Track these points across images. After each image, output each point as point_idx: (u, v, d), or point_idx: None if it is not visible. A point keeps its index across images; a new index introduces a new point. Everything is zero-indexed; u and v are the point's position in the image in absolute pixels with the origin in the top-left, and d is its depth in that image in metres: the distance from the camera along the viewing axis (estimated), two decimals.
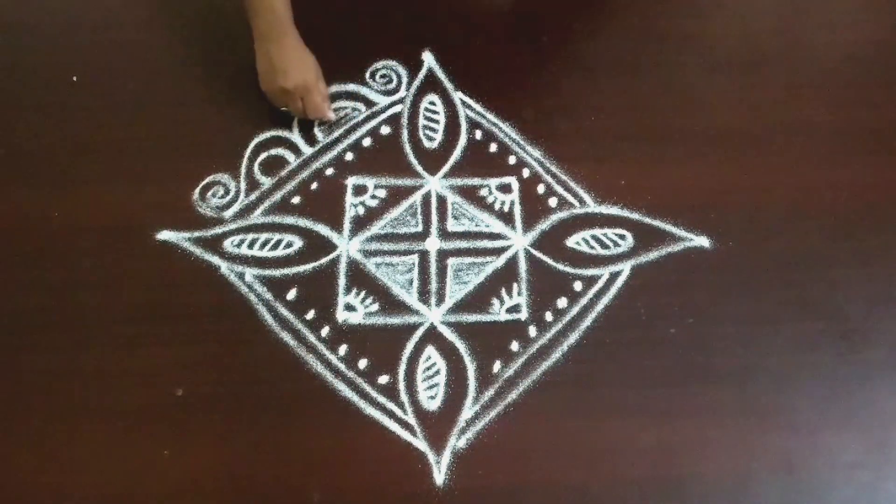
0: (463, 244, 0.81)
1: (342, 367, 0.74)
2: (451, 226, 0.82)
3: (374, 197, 0.84)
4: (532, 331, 0.76)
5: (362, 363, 0.74)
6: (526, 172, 0.86)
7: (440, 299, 0.78)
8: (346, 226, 0.82)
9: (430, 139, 0.88)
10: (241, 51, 0.87)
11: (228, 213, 0.82)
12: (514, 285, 0.79)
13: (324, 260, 0.80)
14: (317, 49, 0.94)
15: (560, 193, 0.84)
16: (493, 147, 0.87)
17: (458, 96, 0.91)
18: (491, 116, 0.89)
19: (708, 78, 0.94)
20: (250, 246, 0.80)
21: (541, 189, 0.85)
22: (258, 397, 0.72)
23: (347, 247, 0.81)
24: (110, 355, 0.74)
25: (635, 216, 0.83)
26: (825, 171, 0.87)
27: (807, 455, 0.71)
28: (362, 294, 0.78)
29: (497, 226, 0.82)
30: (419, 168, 0.86)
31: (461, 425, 0.71)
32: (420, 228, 0.82)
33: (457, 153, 0.87)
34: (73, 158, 0.86)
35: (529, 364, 0.74)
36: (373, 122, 0.89)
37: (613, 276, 0.79)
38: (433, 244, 0.81)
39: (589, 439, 0.71)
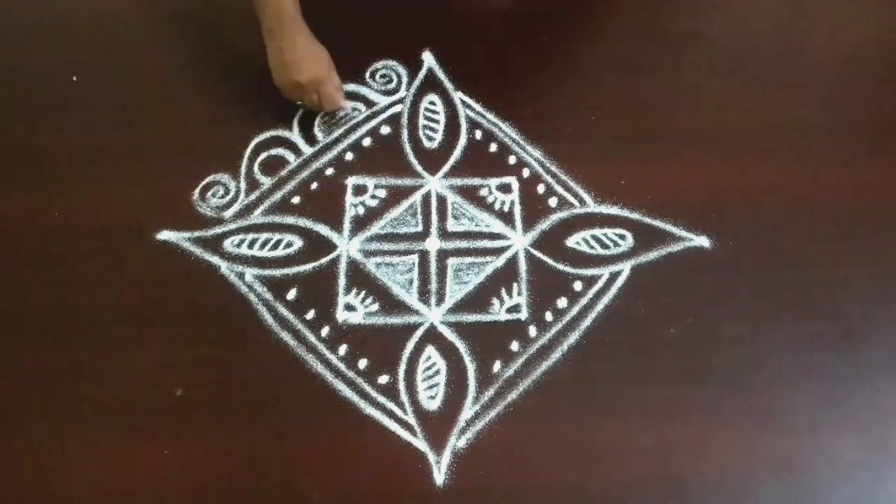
0: (463, 244, 0.81)
1: (342, 367, 0.74)
2: (451, 226, 0.82)
3: (374, 197, 0.84)
4: (532, 331, 0.76)
5: (362, 363, 0.74)
6: (526, 172, 0.86)
7: (440, 299, 0.78)
8: (346, 226, 0.82)
9: (430, 139, 0.88)
10: (242, 50, 0.87)
11: (228, 213, 0.82)
12: (514, 285, 0.79)
13: (324, 260, 0.80)
14: None
15: (560, 193, 0.84)
16: (493, 147, 0.87)
17: (458, 96, 0.91)
18: (491, 116, 0.89)
19: (708, 78, 0.94)
20: (250, 246, 0.80)
21: (541, 189, 0.85)
22: (258, 397, 0.72)
23: (347, 247, 0.81)
24: (110, 355, 0.74)
25: (635, 216, 0.83)
26: (825, 171, 0.87)
27: (807, 455, 0.71)
28: (362, 294, 0.78)
29: (497, 226, 0.82)
30: (419, 168, 0.86)
31: (461, 425, 0.71)
32: (420, 228, 0.82)
33: (457, 153, 0.87)
34: (73, 158, 0.86)
35: (529, 364, 0.74)
36: (373, 122, 0.89)
37: (613, 276, 0.79)
38: (433, 244, 0.81)
39: (589, 439, 0.71)
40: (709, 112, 0.91)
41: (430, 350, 0.75)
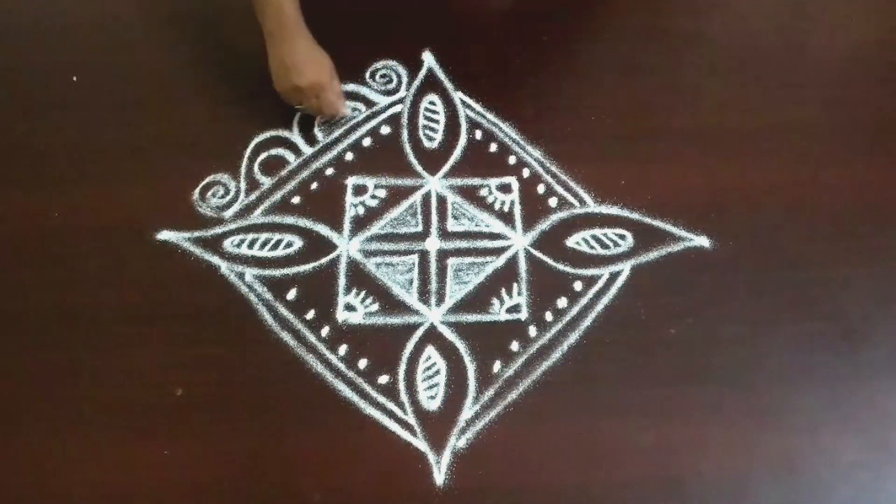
0: (463, 244, 0.81)
1: (342, 367, 0.74)
2: (451, 226, 0.82)
3: (374, 197, 0.84)
4: (532, 331, 0.76)
5: (362, 363, 0.74)
6: (526, 172, 0.86)
7: (440, 299, 0.78)
8: (346, 226, 0.82)
9: (430, 139, 0.88)
10: (242, 51, 0.87)
11: (228, 213, 0.82)
12: (514, 285, 0.79)
13: (324, 260, 0.80)
14: None
15: (560, 193, 0.84)
16: (493, 147, 0.87)
17: (458, 96, 0.91)
18: (491, 116, 0.89)
19: (708, 78, 0.94)
20: (250, 246, 0.80)
21: (541, 189, 0.85)
22: (258, 397, 0.72)
23: (347, 247, 0.81)
24: (110, 355, 0.74)
25: (635, 216, 0.83)
26: (825, 171, 0.87)
27: (807, 455, 0.71)
28: (362, 294, 0.78)
29: (497, 226, 0.82)
30: (419, 168, 0.86)
31: (461, 425, 0.71)
32: (420, 228, 0.82)
33: (457, 153, 0.87)
34: (73, 158, 0.86)
35: (529, 364, 0.74)
36: (373, 122, 0.89)
37: (613, 276, 0.79)
38: (433, 244, 0.81)
39: (589, 439, 0.71)
40: (709, 112, 0.91)
41: (430, 350, 0.75)
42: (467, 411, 0.72)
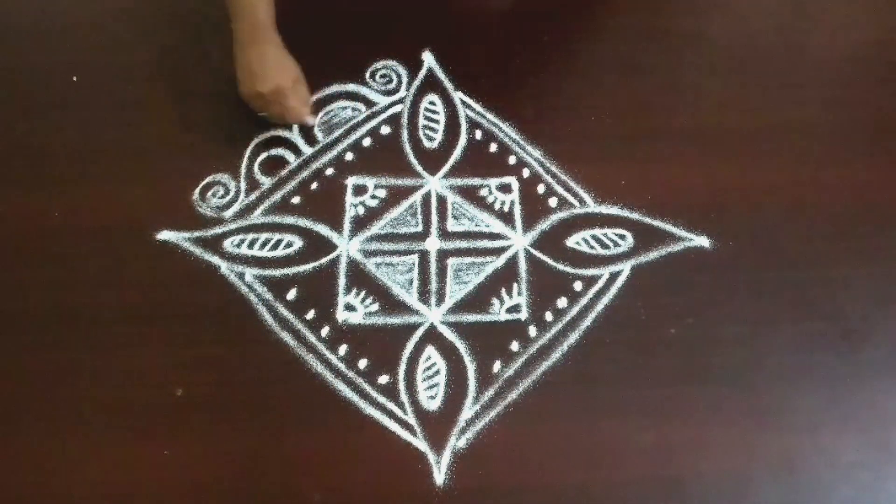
0: (463, 244, 0.81)
1: (342, 367, 0.74)
2: (451, 226, 0.82)
3: (374, 197, 0.84)
4: (532, 331, 0.76)
5: (362, 363, 0.74)
6: (526, 172, 0.86)
7: (440, 299, 0.78)
8: (346, 226, 0.82)
9: (430, 139, 0.88)
10: None
11: (228, 213, 0.82)
12: (514, 285, 0.79)
13: (324, 260, 0.80)
14: (317, 49, 0.94)
15: (560, 193, 0.84)
16: (493, 147, 0.87)
17: (458, 96, 0.91)
18: (491, 116, 0.89)
19: (708, 78, 0.94)
20: (250, 246, 0.80)
21: (541, 189, 0.85)
22: (258, 397, 0.72)
23: (347, 247, 0.81)
24: (110, 355, 0.74)
25: (635, 216, 0.83)
26: (825, 171, 0.87)
27: (807, 455, 0.71)
28: (362, 294, 0.78)
29: (497, 226, 0.82)
30: (419, 168, 0.86)
31: (461, 425, 0.71)
32: (420, 228, 0.82)
33: (457, 153, 0.87)
34: (73, 158, 0.86)
35: (529, 364, 0.74)
36: (373, 122, 0.89)
37: (613, 276, 0.79)
38: (433, 244, 0.81)
39: (589, 439, 0.71)
40: (709, 112, 0.91)
41: (430, 350, 0.75)
42: (467, 411, 0.72)
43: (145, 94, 0.90)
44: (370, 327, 0.76)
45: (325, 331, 0.76)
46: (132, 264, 0.79)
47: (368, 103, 0.90)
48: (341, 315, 0.77)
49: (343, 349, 0.75)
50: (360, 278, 0.79)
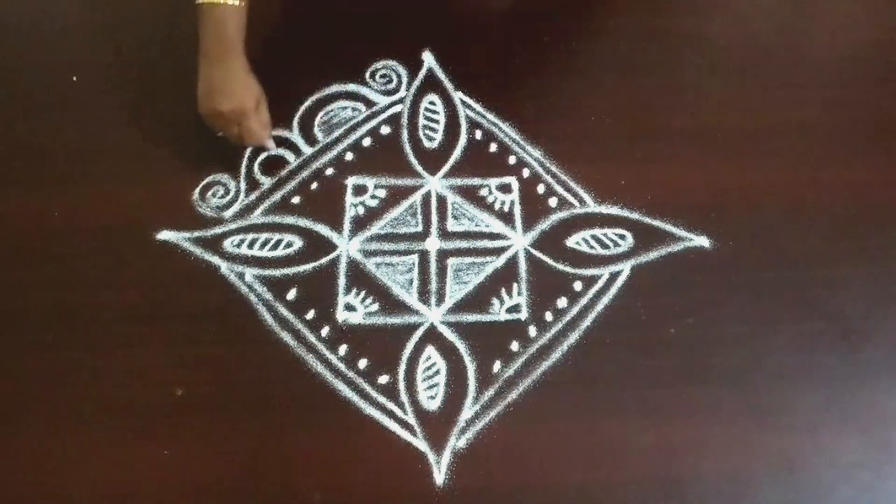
0: (463, 244, 0.81)
1: (342, 367, 0.74)
2: (451, 226, 0.82)
3: (374, 197, 0.84)
4: (532, 331, 0.76)
5: (362, 363, 0.74)
6: (526, 172, 0.86)
7: (440, 299, 0.78)
8: (346, 226, 0.82)
9: (430, 139, 0.88)
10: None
11: (228, 213, 0.82)
12: (514, 285, 0.79)
13: (324, 260, 0.80)
14: (317, 49, 0.94)
15: (560, 193, 0.84)
16: (493, 147, 0.87)
17: (458, 96, 0.91)
18: (491, 116, 0.89)
19: (708, 78, 0.94)
20: (250, 246, 0.80)
21: (541, 189, 0.85)
22: (258, 397, 0.72)
23: (347, 247, 0.81)
24: (110, 355, 0.74)
25: (635, 216, 0.83)
26: (825, 171, 0.87)
27: (807, 455, 0.71)
28: (362, 294, 0.78)
29: (497, 226, 0.82)
30: (419, 168, 0.86)
31: (461, 425, 0.71)
32: (420, 228, 0.82)
33: (457, 153, 0.87)
34: (73, 158, 0.86)
35: (529, 364, 0.74)
36: (373, 122, 0.89)
37: (613, 276, 0.79)
38: (433, 244, 0.81)
39: (589, 439, 0.71)
40: (709, 112, 0.91)
41: (430, 350, 0.75)
42: (467, 411, 0.72)
43: (145, 95, 0.90)
44: (370, 327, 0.76)
45: (325, 331, 0.76)
46: (132, 264, 0.79)
47: (368, 103, 0.90)
48: (341, 315, 0.77)
49: (343, 349, 0.75)
50: (360, 278, 0.79)
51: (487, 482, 0.69)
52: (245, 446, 0.70)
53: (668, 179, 0.85)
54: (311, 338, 0.75)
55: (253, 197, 0.83)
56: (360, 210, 0.83)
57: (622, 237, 0.82)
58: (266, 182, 0.84)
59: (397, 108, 0.90)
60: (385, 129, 0.89)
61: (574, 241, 0.81)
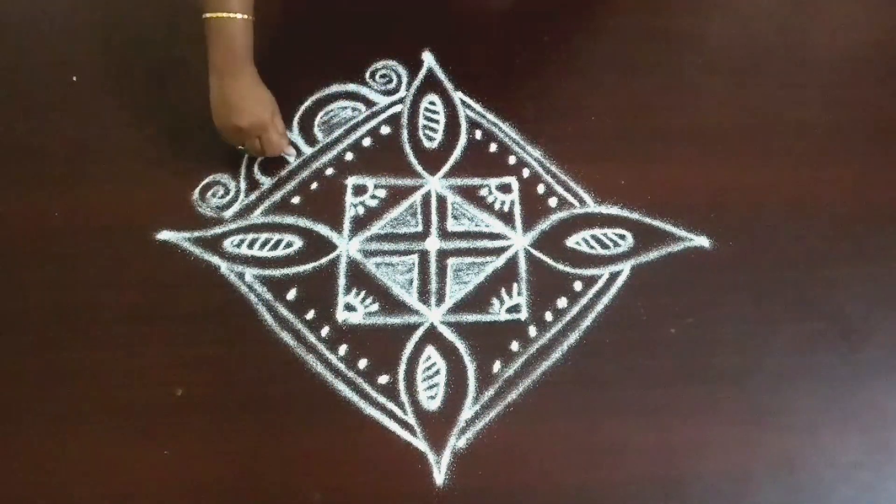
0: (463, 244, 0.81)
1: (342, 367, 0.74)
2: (451, 226, 0.82)
3: (374, 197, 0.84)
4: (532, 331, 0.76)
5: (362, 363, 0.74)
6: (526, 172, 0.86)
7: (440, 299, 0.78)
8: (346, 226, 0.82)
9: (430, 139, 0.88)
10: None
11: (228, 213, 0.82)
12: (514, 285, 0.79)
13: (324, 260, 0.80)
14: (317, 49, 0.94)
15: (560, 193, 0.84)
16: (493, 147, 0.87)
17: (458, 96, 0.91)
18: (491, 116, 0.90)
19: (708, 78, 0.94)
20: (250, 246, 0.80)
21: (541, 189, 0.85)
22: (258, 397, 0.72)
23: (347, 247, 0.81)
24: (110, 355, 0.74)
25: (635, 216, 0.83)
26: (825, 170, 0.87)
27: (807, 455, 0.71)
28: (362, 294, 0.78)
29: (497, 226, 0.82)
30: (419, 168, 0.86)
31: (461, 425, 0.71)
32: (420, 228, 0.82)
33: (457, 153, 0.87)
34: (73, 158, 0.86)
35: (529, 364, 0.74)
36: (373, 122, 0.89)
37: (613, 276, 0.79)
38: (433, 244, 0.81)
39: (589, 439, 0.71)
40: (709, 112, 0.91)
41: (430, 350, 0.75)
42: (467, 411, 0.72)
43: (145, 94, 0.91)
44: (370, 327, 0.76)
45: (325, 331, 0.76)
46: (132, 264, 0.79)
47: (368, 103, 0.90)
48: (341, 315, 0.77)
49: (343, 349, 0.75)
50: (360, 278, 0.79)
51: (487, 482, 0.69)
52: (245, 446, 0.70)
53: (668, 179, 0.85)
54: (311, 338, 0.75)
55: (253, 197, 0.83)
56: (360, 210, 0.83)
57: (622, 237, 0.82)
58: (266, 182, 0.84)
59: (397, 108, 0.90)
60: (385, 129, 0.89)
61: (574, 241, 0.81)
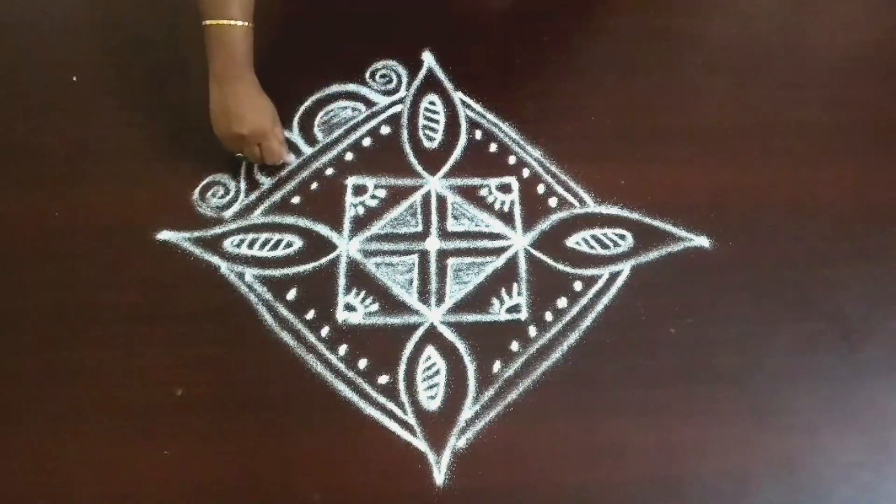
0: (463, 244, 0.81)
1: (342, 367, 0.74)
2: (451, 226, 0.82)
3: (374, 197, 0.84)
4: (532, 331, 0.76)
5: (362, 363, 0.74)
6: (526, 172, 0.86)
7: (440, 299, 0.78)
8: (346, 226, 0.82)
9: (430, 139, 0.88)
10: None
11: (228, 213, 0.82)
12: (514, 285, 0.79)
13: (324, 260, 0.80)
14: (317, 49, 0.94)
15: (560, 193, 0.84)
16: (493, 147, 0.87)
17: (458, 96, 0.91)
18: (491, 116, 0.90)
19: (708, 78, 0.94)
20: (250, 246, 0.80)
21: (541, 189, 0.85)
22: (258, 397, 0.72)
23: (347, 247, 0.81)
24: (110, 355, 0.74)
25: (635, 216, 0.83)
26: (825, 170, 0.87)
27: (807, 455, 0.71)
28: (362, 294, 0.78)
29: (497, 226, 0.82)
30: (419, 168, 0.86)
31: (461, 425, 0.71)
32: (420, 228, 0.82)
33: (457, 153, 0.87)
34: (73, 158, 0.86)
35: (529, 364, 0.74)
36: (373, 122, 0.89)
37: (613, 276, 0.79)
38: (433, 244, 0.81)
39: (589, 439, 0.71)
40: (709, 112, 0.91)
41: (430, 350, 0.75)
42: (467, 411, 0.72)
43: (145, 95, 0.91)
44: (370, 327, 0.76)
45: (325, 331, 0.76)
46: (132, 264, 0.79)
47: (368, 103, 0.90)
48: (341, 315, 0.77)
49: (343, 349, 0.75)
50: (360, 278, 0.79)
51: (487, 482, 0.69)
52: (245, 446, 0.70)
53: (668, 179, 0.85)
54: (311, 338, 0.75)
55: (253, 197, 0.83)
56: (360, 210, 0.83)
57: (622, 237, 0.82)
58: (266, 182, 0.84)
59: (397, 108, 0.90)
60: (385, 129, 0.89)
61: (574, 241, 0.81)
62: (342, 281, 0.78)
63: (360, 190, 0.84)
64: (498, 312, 0.77)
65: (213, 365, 0.74)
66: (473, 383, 0.73)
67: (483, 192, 0.84)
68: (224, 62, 0.77)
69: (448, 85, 0.92)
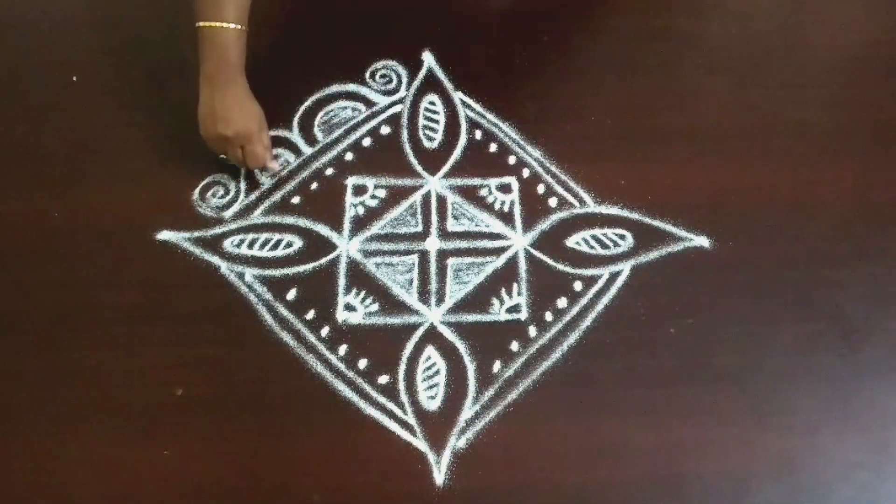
0: (463, 244, 0.81)
1: (342, 367, 0.74)
2: (451, 226, 0.82)
3: (374, 197, 0.84)
4: (532, 331, 0.76)
5: (362, 363, 0.74)
6: (526, 172, 0.86)
7: (440, 299, 0.78)
8: (346, 226, 0.82)
9: (430, 139, 0.88)
10: None
11: (228, 213, 0.82)
12: (514, 285, 0.79)
13: (324, 260, 0.80)
14: (317, 49, 0.94)
15: (560, 193, 0.84)
16: (493, 147, 0.87)
17: (458, 96, 0.91)
18: (491, 116, 0.90)
19: (708, 78, 0.94)
20: (250, 246, 0.80)
21: (541, 189, 0.85)
22: (258, 397, 0.72)
23: (347, 247, 0.81)
24: (110, 355, 0.74)
25: (635, 216, 0.83)
26: (825, 170, 0.87)
27: (807, 455, 0.71)
28: (362, 294, 0.78)
29: (497, 226, 0.82)
30: (419, 168, 0.86)
31: (461, 425, 0.71)
32: (420, 228, 0.82)
33: (457, 153, 0.87)
34: (73, 158, 0.86)
35: (529, 364, 0.74)
36: (373, 122, 0.89)
37: (613, 276, 0.79)
38: (433, 244, 0.81)
39: (589, 439, 0.71)
40: (709, 112, 0.91)
41: (430, 350, 0.75)
42: (467, 411, 0.72)
43: (145, 95, 0.91)
44: (370, 327, 0.76)
45: (325, 331, 0.76)
46: (132, 264, 0.79)
47: (368, 103, 0.90)
48: (341, 315, 0.77)
49: (343, 349, 0.75)
50: (360, 278, 0.79)
51: (487, 482, 0.69)
52: (245, 446, 0.70)
53: (668, 179, 0.85)
54: (311, 338, 0.75)
55: (253, 197, 0.83)
56: (360, 210, 0.83)
57: (622, 237, 0.82)
58: (266, 182, 0.84)
59: (397, 108, 0.90)
60: (385, 129, 0.89)
61: (574, 241, 0.81)
62: (342, 281, 0.78)
63: (360, 190, 0.84)
64: (498, 312, 0.77)
65: (213, 365, 0.74)
66: (473, 383, 0.73)
67: (483, 192, 0.85)
68: (216, 64, 0.77)
69: (448, 85, 0.92)
